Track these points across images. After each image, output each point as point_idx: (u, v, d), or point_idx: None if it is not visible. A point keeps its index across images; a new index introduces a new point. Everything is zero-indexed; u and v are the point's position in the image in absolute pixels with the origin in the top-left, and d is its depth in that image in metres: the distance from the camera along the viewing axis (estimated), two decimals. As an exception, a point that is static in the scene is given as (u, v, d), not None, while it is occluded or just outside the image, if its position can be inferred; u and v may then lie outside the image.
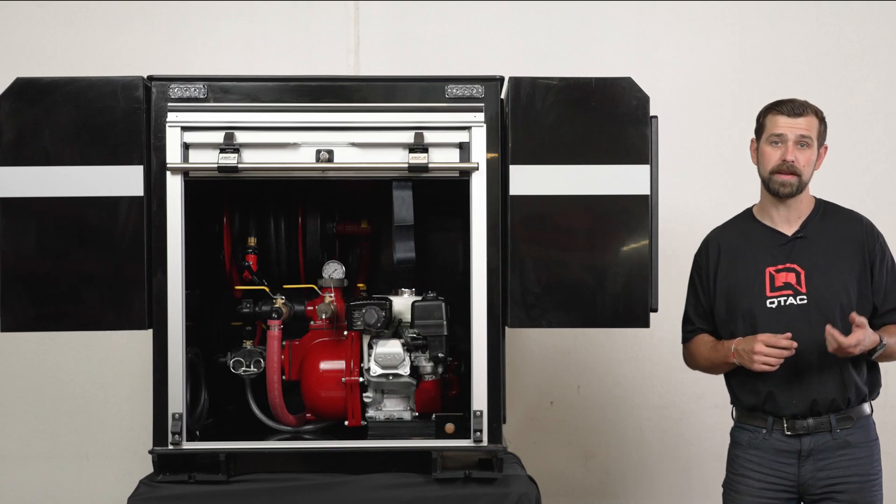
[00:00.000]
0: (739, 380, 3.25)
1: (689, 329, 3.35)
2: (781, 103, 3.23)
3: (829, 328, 3.04)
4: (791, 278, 3.19)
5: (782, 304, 3.18)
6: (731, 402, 3.34)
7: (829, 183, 4.39)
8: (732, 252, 3.28)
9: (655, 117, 3.09)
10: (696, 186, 4.33)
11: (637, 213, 3.07)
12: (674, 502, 4.49)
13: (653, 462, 4.50)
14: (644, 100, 3.07)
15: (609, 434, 4.51)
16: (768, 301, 3.19)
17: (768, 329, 3.13)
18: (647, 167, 3.07)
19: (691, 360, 3.39)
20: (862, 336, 3.03)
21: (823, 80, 4.47)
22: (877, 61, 4.49)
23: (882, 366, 3.26)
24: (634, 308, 3.08)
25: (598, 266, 3.08)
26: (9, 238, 3.02)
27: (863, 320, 3.05)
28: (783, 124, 3.19)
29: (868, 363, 3.21)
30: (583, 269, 3.09)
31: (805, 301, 3.16)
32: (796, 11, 4.49)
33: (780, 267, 3.21)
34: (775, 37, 4.49)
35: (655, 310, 3.14)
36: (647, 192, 3.07)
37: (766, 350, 3.06)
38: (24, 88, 3.03)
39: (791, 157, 3.17)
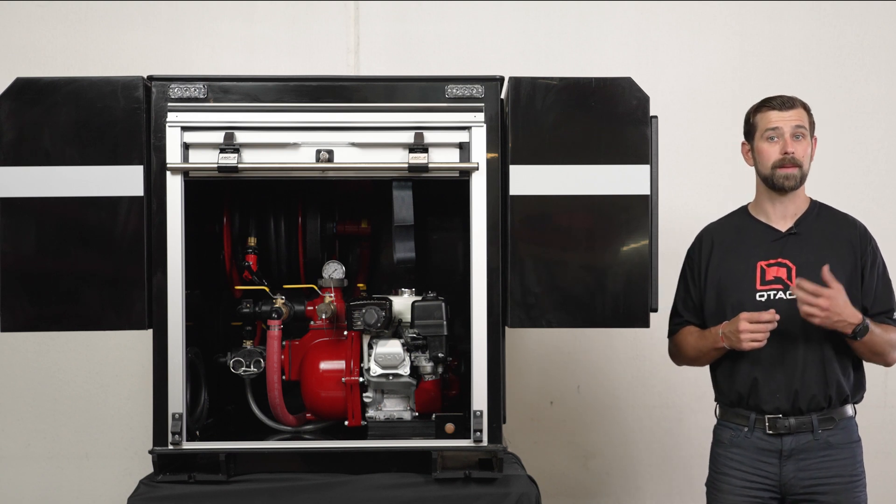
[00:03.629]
0: (726, 368, 3.26)
1: (677, 321, 3.36)
2: (770, 99, 3.25)
3: (800, 282, 3.05)
4: (782, 273, 3.21)
5: (772, 297, 3.20)
6: (715, 399, 3.37)
7: (830, 183, 4.40)
8: (725, 246, 3.30)
9: (655, 117, 3.09)
10: (696, 186, 4.33)
11: (637, 213, 3.07)
12: (674, 502, 4.49)
13: (653, 462, 4.50)
14: (644, 100, 3.07)
15: (609, 434, 4.51)
16: (758, 294, 3.21)
17: None
18: (647, 167, 3.07)
19: (677, 353, 3.41)
20: (833, 295, 3.03)
21: (823, 80, 4.47)
22: (877, 61, 4.49)
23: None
24: (634, 308, 3.08)
25: (598, 266, 3.08)
26: (9, 238, 3.02)
27: (835, 285, 3.05)
28: (776, 118, 3.21)
29: (853, 365, 3.23)
30: (583, 269, 3.09)
31: (794, 296, 3.17)
32: (796, 11, 4.49)
33: (771, 261, 3.23)
34: (775, 37, 4.49)
35: (655, 310, 3.14)
36: (647, 192, 3.07)
37: (751, 327, 3.09)
38: (24, 88, 3.03)
39: (791, 148, 3.19)
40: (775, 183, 3.22)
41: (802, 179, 3.23)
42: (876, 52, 4.49)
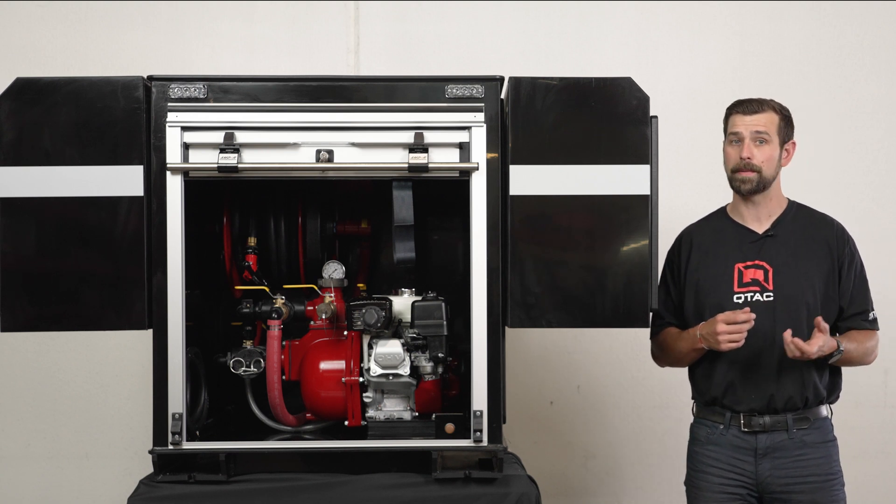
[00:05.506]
0: (704, 369, 3.28)
1: (659, 323, 3.36)
2: (738, 103, 3.27)
3: (787, 336, 3.06)
4: (759, 275, 3.23)
5: (749, 300, 3.21)
6: (692, 398, 3.39)
7: (830, 183, 4.41)
8: (704, 248, 3.32)
9: (655, 117, 3.09)
10: (696, 186, 4.32)
11: (637, 213, 3.07)
12: (674, 502, 4.48)
13: (653, 462, 4.50)
14: (644, 100, 3.07)
15: (609, 434, 4.51)
16: (735, 296, 3.22)
17: None
18: (647, 167, 3.07)
19: (660, 354, 3.42)
20: (822, 342, 3.07)
21: (823, 80, 4.47)
22: (877, 61, 4.49)
23: (882, 365, 3.27)
24: (634, 308, 3.08)
25: (598, 266, 3.08)
26: (9, 238, 3.02)
27: (826, 327, 3.09)
28: (739, 123, 3.24)
29: (830, 367, 3.24)
30: (583, 268, 3.09)
31: (771, 298, 3.20)
32: (796, 11, 4.49)
33: (748, 263, 3.25)
34: (775, 37, 4.49)
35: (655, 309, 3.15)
36: (647, 192, 3.07)
37: (728, 328, 3.10)
38: (24, 88, 3.03)
39: (747, 153, 3.20)
40: (734, 186, 3.27)
41: (762, 184, 3.23)
42: (876, 52, 4.49)
